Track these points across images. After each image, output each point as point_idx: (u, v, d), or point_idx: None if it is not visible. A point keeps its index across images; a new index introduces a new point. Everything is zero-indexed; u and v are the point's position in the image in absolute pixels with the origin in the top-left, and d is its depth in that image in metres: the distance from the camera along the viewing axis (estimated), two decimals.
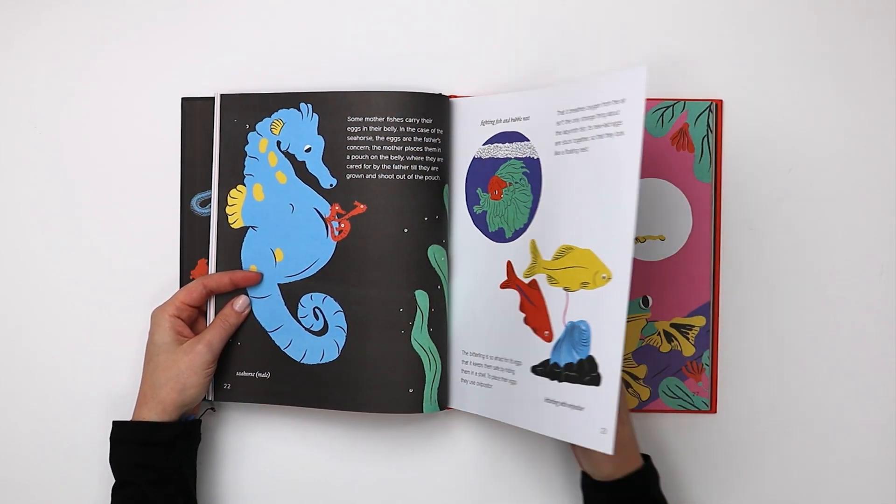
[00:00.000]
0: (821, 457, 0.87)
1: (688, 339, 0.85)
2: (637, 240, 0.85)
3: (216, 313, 0.83)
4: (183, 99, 0.85)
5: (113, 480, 0.79)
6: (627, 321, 0.84)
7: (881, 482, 0.86)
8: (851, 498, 0.87)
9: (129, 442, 0.79)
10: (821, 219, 0.87)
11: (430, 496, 0.87)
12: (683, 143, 0.85)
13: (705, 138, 0.85)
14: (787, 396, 0.87)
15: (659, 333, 0.85)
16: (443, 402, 0.83)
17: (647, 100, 0.84)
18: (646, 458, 0.80)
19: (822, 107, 0.86)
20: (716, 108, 0.85)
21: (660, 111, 0.85)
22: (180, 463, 0.80)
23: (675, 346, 0.86)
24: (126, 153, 0.87)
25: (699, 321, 0.85)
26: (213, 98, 0.84)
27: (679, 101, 0.85)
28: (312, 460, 0.87)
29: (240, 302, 0.83)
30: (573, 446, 0.80)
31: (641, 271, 0.85)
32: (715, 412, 0.87)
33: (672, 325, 0.85)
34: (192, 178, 0.85)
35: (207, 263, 0.85)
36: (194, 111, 0.85)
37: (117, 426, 0.80)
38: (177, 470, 0.79)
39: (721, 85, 0.86)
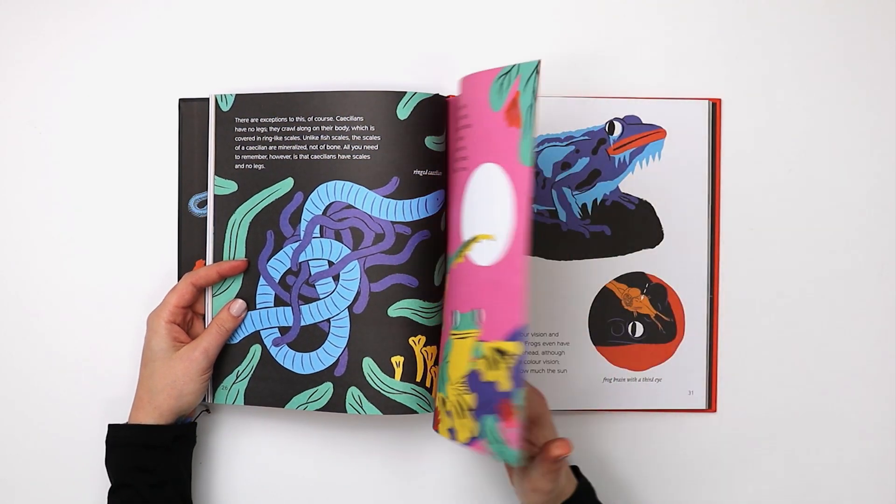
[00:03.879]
0: (820, 456, 0.87)
1: (504, 370, 0.64)
2: (475, 239, 0.69)
3: (214, 313, 0.82)
4: (180, 100, 0.85)
5: (108, 483, 0.79)
6: (462, 337, 0.70)
7: (881, 482, 0.87)
8: (851, 498, 0.87)
9: (125, 445, 0.78)
10: (821, 219, 0.87)
11: (428, 497, 0.86)
12: (514, 118, 0.65)
13: (531, 108, 0.63)
14: (786, 396, 0.87)
15: (485, 357, 0.67)
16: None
17: (489, 71, 0.68)
18: (576, 472, 0.78)
19: (821, 106, 0.86)
20: (713, 106, 0.83)
21: (500, 80, 0.67)
22: (177, 465, 0.79)
23: (494, 375, 0.65)
24: (124, 154, 0.86)
25: (516, 348, 0.63)
26: (209, 98, 0.83)
27: (515, 65, 0.65)
28: (308, 462, 0.87)
29: (236, 306, 0.81)
30: (511, 476, 0.79)
31: (472, 279, 0.68)
32: (715, 412, 0.86)
33: (495, 350, 0.66)
34: (190, 178, 0.85)
35: (205, 264, 0.83)
36: (191, 112, 0.84)
37: (113, 429, 0.78)
38: (174, 472, 0.79)
39: (720, 84, 0.86)
